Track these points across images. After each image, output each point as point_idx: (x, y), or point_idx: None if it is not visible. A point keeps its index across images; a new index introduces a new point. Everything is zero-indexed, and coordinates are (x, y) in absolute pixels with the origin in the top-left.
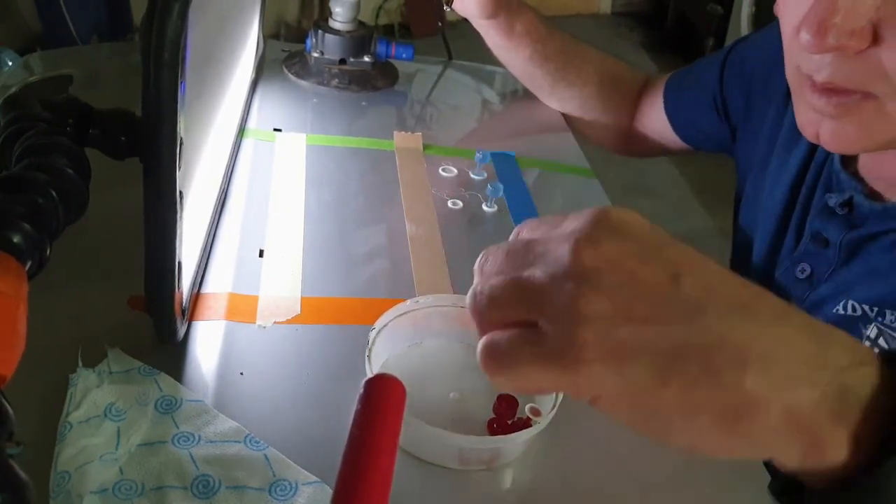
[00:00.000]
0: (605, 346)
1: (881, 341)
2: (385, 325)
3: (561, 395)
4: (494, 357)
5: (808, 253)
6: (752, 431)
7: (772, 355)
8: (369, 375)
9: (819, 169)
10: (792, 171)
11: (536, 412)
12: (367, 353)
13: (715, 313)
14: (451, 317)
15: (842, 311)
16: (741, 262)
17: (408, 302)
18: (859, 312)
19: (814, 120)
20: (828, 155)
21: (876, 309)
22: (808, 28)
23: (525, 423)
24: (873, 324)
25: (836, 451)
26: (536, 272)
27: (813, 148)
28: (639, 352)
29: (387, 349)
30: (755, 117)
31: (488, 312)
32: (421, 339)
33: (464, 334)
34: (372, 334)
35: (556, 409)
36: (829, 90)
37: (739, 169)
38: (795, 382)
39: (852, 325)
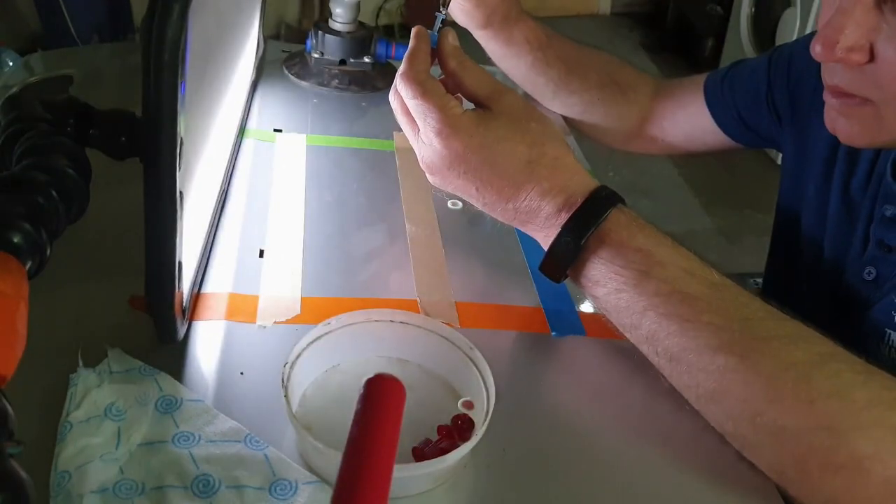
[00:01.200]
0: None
1: None
2: (298, 356)
3: (490, 411)
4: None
5: (875, 257)
6: (520, 203)
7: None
8: (288, 409)
9: (879, 180)
10: (857, 184)
11: (469, 405)
12: (283, 390)
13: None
14: (367, 333)
15: None
16: (807, 266)
17: (318, 326)
18: None
19: (831, 116)
20: (883, 168)
21: None
22: (819, 43)
23: (461, 426)
24: None
25: (547, 221)
26: None
27: (873, 161)
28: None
29: (306, 379)
30: (802, 125)
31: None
32: (338, 361)
33: (382, 348)
34: (286, 369)
35: (486, 423)
36: (838, 92)
37: (787, 164)
38: (551, 187)
39: None
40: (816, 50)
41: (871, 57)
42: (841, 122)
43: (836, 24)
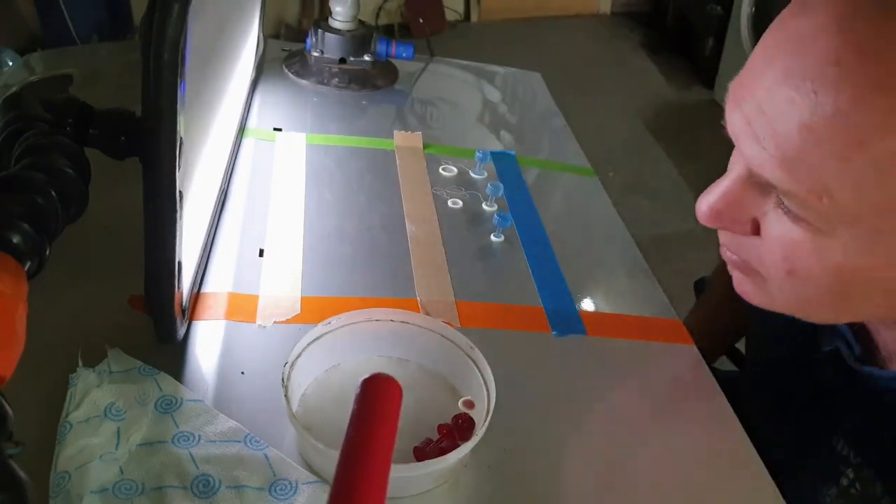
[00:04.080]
0: None
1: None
2: (299, 355)
3: (491, 410)
4: None
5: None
6: None
7: None
8: (290, 409)
9: None
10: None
11: (470, 404)
12: (283, 389)
13: None
14: (367, 332)
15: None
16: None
17: (318, 326)
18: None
19: (732, 271)
20: None
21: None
22: (702, 204)
23: (462, 425)
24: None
25: None
26: None
27: None
28: None
29: (306, 379)
30: None
31: None
32: (338, 360)
33: (382, 347)
34: (286, 368)
35: (487, 423)
36: (728, 253)
37: None
38: None
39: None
40: (700, 210)
41: (756, 230)
42: (737, 278)
43: (717, 189)
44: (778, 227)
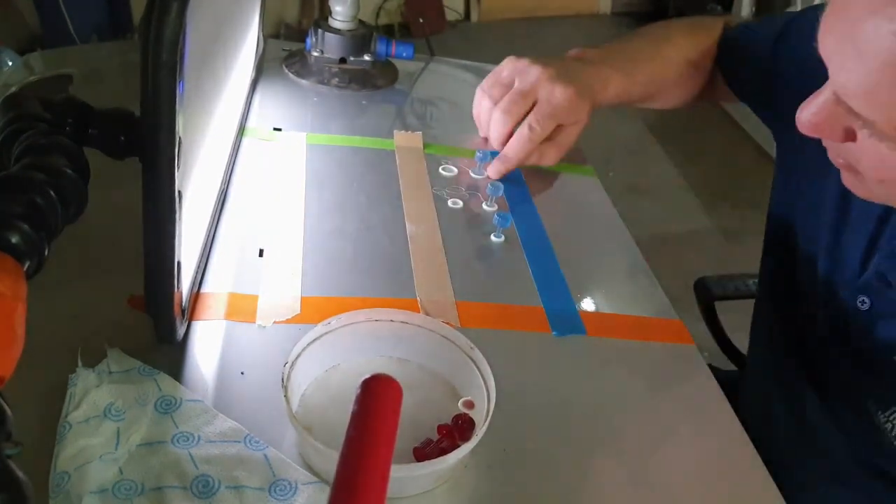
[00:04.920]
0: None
1: None
2: (299, 355)
3: (491, 411)
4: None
5: (870, 287)
6: None
7: None
8: (289, 408)
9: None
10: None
11: (470, 404)
12: (283, 389)
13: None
14: (367, 332)
15: None
16: (800, 276)
17: (318, 326)
18: None
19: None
20: None
21: None
22: (802, 117)
23: (462, 426)
24: None
25: None
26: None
27: None
28: None
29: (306, 379)
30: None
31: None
32: (338, 360)
33: (382, 347)
34: (286, 368)
35: (487, 423)
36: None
37: (782, 158)
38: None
39: None
40: (799, 121)
41: (853, 137)
42: (844, 176)
43: (813, 103)
44: (867, 142)
